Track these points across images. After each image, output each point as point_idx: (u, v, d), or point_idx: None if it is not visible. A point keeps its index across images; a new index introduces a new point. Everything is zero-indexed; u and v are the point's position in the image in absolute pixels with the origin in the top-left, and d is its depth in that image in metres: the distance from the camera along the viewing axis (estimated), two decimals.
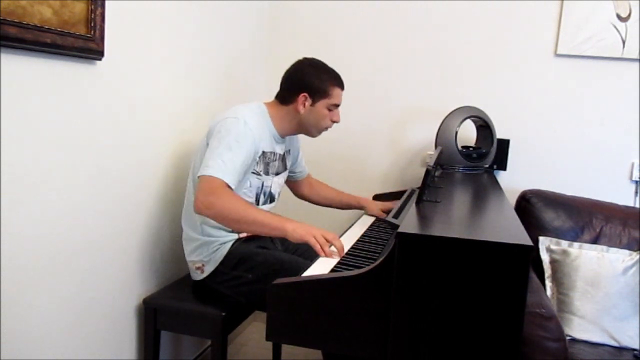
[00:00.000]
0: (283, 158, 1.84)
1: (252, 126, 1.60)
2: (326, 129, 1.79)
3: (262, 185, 1.74)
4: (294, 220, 1.54)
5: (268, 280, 1.25)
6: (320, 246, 1.46)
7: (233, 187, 1.54)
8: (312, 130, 1.78)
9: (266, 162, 1.72)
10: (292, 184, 2.07)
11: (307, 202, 2.15)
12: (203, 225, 1.67)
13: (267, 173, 1.74)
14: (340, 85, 1.76)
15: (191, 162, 1.73)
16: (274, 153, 1.76)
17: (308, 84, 1.70)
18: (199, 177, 1.53)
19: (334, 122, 1.78)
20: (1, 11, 1.11)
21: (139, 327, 1.77)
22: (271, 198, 1.81)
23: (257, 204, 1.75)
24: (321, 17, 2.51)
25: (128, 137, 1.61)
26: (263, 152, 1.68)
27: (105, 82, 1.49)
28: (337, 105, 1.76)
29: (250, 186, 1.69)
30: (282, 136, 1.78)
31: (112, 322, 1.64)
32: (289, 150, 1.90)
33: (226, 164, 1.51)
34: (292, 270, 1.43)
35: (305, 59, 1.77)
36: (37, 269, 1.32)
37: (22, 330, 1.30)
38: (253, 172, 1.68)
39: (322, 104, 1.72)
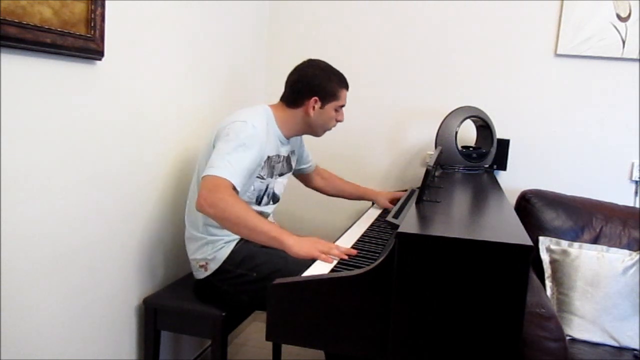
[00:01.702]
0: (288, 159, 1.85)
1: (259, 130, 1.61)
2: (330, 128, 1.84)
3: (267, 188, 1.74)
4: (294, 234, 1.51)
5: (272, 279, 1.25)
6: (329, 255, 1.44)
7: (239, 189, 1.52)
8: (319, 130, 1.81)
9: (271, 166, 1.73)
10: (303, 177, 2.12)
11: (309, 199, 2.15)
12: (207, 225, 1.67)
13: (271, 175, 1.75)
14: (347, 86, 1.80)
15: (197, 164, 1.72)
16: (279, 155, 1.77)
17: (319, 88, 1.73)
18: (203, 176, 1.51)
19: (338, 121, 1.82)
20: (1, 11, 1.11)
21: (139, 327, 1.77)
22: (274, 199, 1.81)
23: (259, 205, 1.75)
24: (321, 17, 2.51)
25: (128, 137, 1.62)
26: (268, 156, 1.70)
27: (105, 82, 1.49)
28: (343, 106, 1.81)
29: (253, 189, 1.70)
30: (287, 137, 1.80)
31: (112, 322, 1.64)
32: (293, 151, 1.91)
33: (233, 166, 1.51)
34: (296, 270, 1.42)
35: (311, 61, 1.79)
36: (37, 269, 1.32)
37: (22, 330, 1.30)
38: (257, 177, 1.68)
39: (331, 106, 1.76)
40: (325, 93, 1.73)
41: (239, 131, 1.57)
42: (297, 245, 1.45)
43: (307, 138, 1.91)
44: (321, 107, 1.74)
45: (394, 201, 2.09)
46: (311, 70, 1.75)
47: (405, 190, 2.17)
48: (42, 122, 1.29)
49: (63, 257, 1.40)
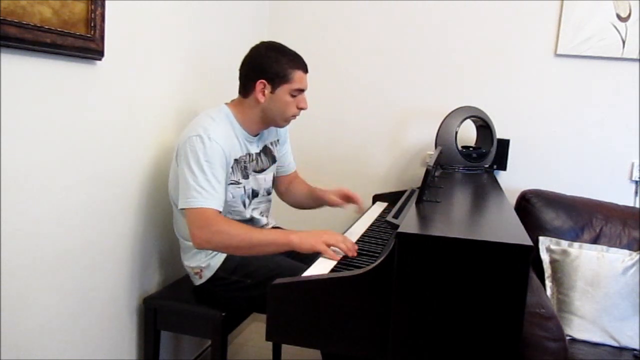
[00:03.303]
0: (266, 152, 1.77)
1: (217, 139, 1.52)
2: (294, 117, 1.67)
3: (244, 190, 1.69)
4: (298, 230, 1.51)
5: (267, 285, 1.24)
6: (333, 250, 1.44)
7: (221, 210, 1.51)
8: (277, 120, 1.66)
9: (243, 167, 1.66)
10: (275, 180, 1.90)
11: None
12: None
13: (246, 177, 1.68)
14: (302, 68, 1.62)
15: (169, 175, 1.67)
16: (249, 154, 1.69)
17: (265, 69, 1.58)
18: (184, 210, 1.50)
19: (300, 109, 1.65)
20: (1, 11, 1.11)
21: (139, 327, 1.77)
22: (254, 194, 1.75)
23: (245, 208, 1.71)
24: (321, 17, 2.51)
25: (128, 137, 1.61)
26: (235, 160, 1.62)
27: (105, 82, 1.49)
28: (301, 91, 1.63)
29: (233, 197, 1.64)
30: (253, 134, 1.69)
31: (112, 322, 1.64)
32: (278, 140, 1.83)
33: (207, 190, 1.48)
34: (292, 273, 1.42)
35: (262, 42, 1.65)
36: (37, 269, 1.32)
37: (22, 330, 1.30)
38: (232, 183, 1.62)
39: (283, 90, 1.59)
40: (273, 75, 1.57)
41: (196, 149, 1.50)
42: (302, 241, 1.45)
43: (302, 137, 1.88)
44: (272, 92, 1.59)
45: (342, 196, 1.84)
46: (257, 52, 1.62)
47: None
48: (42, 122, 1.29)
49: (63, 257, 1.40)
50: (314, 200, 1.92)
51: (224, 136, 1.57)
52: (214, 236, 1.47)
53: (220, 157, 1.53)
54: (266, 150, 1.79)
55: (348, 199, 1.85)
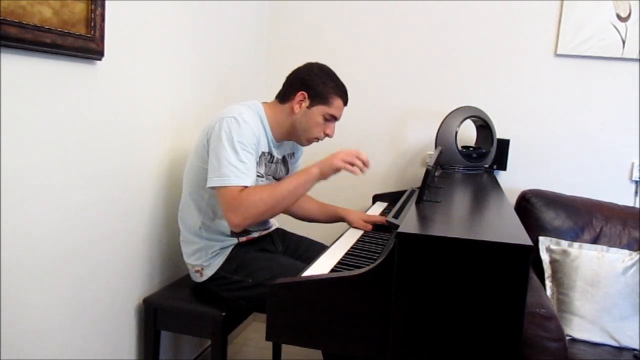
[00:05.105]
0: (284, 162, 1.80)
1: (251, 125, 1.56)
2: (317, 139, 1.71)
3: None
4: (315, 163, 1.57)
5: (268, 285, 1.24)
6: (352, 166, 1.55)
7: (249, 184, 1.52)
8: (302, 136, 1.70)
9: (264, 164, 1.68)
10: None
11: None
12: (202, 229, 1.66)
13: (266, 174, 1.71)
14: (344, 99, 1.69)
15: (188, 162, 1.70)
16: (272, 156, 1.72)
17: (311, 85, 1.64)
18: (216, 189, 1.52)
19: (326, 135, 1.71)
20: (1, 11, 1.12)
21: (139, 327, 1.77)
22: None
23: None
24: (321, 17, 2.51)
25: (128, 137, 1.61)
26: (262, 152, 1.65)
27: (105, 82, 1.49)
28: (334, 118, 1.69)
29: None
30: (277, 140, 1.72)
31: (112, 322, 1.64)
32: (293, 153, 1.86)
33: (238, 169, 1.50)
34: (293, 274, 1.42)
35: (317, 62, 1.72)
36: (37, 269, 1.32)
37: (22, 330, 1.30)
38: (257, 175, 1.63)
39: (318, 110, 1.65)
40: (315, 92, 1.64)
41: (231, 130, 1.52)
42: (324, 169, 1.55)
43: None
44: (308, 107, 1.64)
45: (369, 222, 1.84)
46: (309, 68, 1.69)
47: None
48: (42, 122, 1.29)
49: (63, 257, 1.40)
50: (327, 216, 1.96)
51: (255, 125, 1.60)
52: (247, 214, 1.49)
53: (252, 141, 1.56)
54: (284, 160, 1.81)
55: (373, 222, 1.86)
